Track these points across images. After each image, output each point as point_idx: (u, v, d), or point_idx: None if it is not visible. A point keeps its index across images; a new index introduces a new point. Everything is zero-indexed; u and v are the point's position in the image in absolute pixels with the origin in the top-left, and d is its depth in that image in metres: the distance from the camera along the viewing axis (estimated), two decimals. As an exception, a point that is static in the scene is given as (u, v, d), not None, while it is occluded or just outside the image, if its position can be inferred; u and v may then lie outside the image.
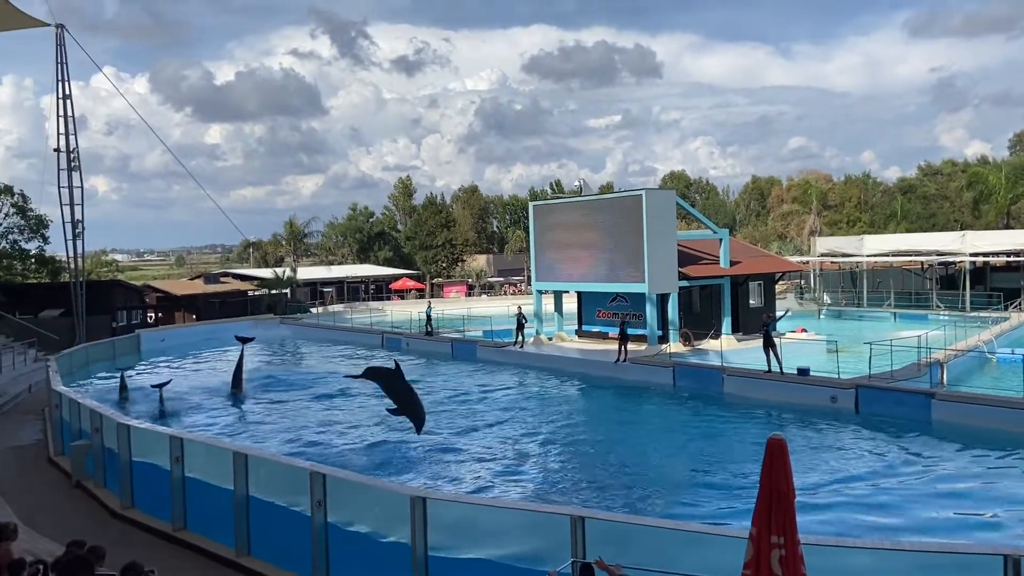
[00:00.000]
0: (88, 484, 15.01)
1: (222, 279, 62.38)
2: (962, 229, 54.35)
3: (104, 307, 45.52)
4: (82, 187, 42.20)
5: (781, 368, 23.42)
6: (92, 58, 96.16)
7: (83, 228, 42.45)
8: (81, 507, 14.07)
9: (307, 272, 67.03)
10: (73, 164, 41.70)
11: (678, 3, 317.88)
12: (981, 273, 45.59)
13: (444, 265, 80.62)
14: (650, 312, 30.65)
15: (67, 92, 41.60)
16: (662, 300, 30.92)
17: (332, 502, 9.53)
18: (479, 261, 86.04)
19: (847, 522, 12.98)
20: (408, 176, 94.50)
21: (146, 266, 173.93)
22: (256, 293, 58.75)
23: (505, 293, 69.07)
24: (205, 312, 52.73)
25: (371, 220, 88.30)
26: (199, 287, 58.03)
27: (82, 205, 42.07)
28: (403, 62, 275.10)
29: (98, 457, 14.86)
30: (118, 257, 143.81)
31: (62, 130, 41.47)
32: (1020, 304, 38.93)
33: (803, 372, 22.99)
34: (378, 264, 77.73)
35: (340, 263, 79.60)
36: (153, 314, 50.83)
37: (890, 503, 13.94)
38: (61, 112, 41.44)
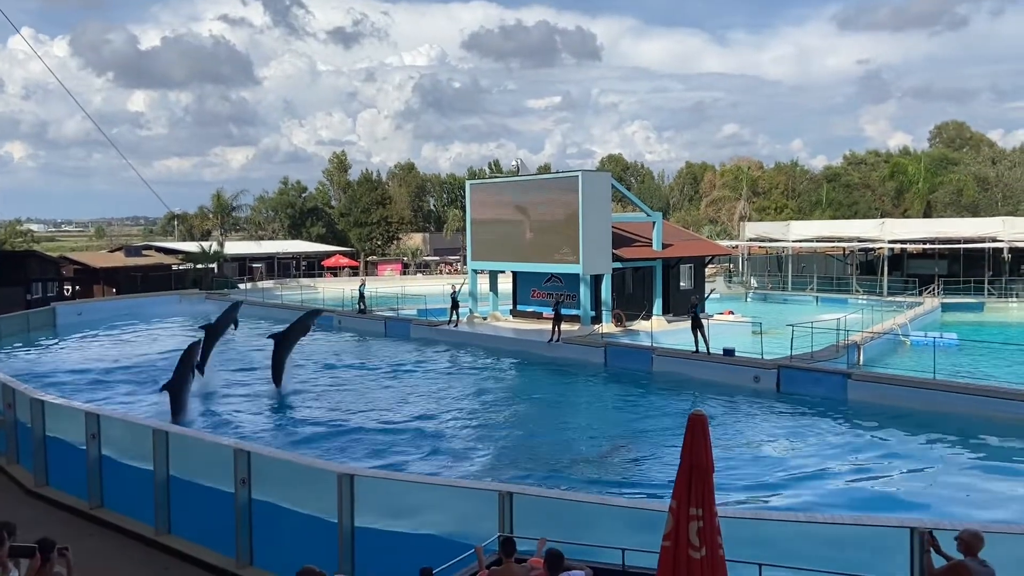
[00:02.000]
0: (0, 461, 14.41)
1: (144, 252, 60.31)
2: (882, 217, 56.54)
3: (18, 279, 43.47)
4: (-5, 152, 40.11)
5: (708, 348, 24.05)
6: (9, 18, 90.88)
7: (-4, 196, 40.38)
8: (-8, 485, 13.50)
9: (235, 247, 65.31)
10: (-16, 128, 39.56)
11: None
12: (899, 260, 47.57)
13: (379, 243, 79.66)
14: (584, 293, 30.97)
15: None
16: (596, 281, 31.27)
17: (257, 480, 9.37)
18: (415, 240, 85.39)
19: (764, 495, 13.45)
20: (343, 151, 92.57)
21: (64, 237, 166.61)
22: (181, 267, 57.04)
23: (440, 272, 68.80)
24: (126, 286, 50.97)
25: (304, 195, 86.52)
26: (120, 260, 56.00)
27: (-6, 171, 39.99)
28: (340, 33, 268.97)
29: (11, 433, 14.27)
30: (34, 227, 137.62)
31: (-28, 91, 39.26)
32: (934, 290, 40.79)
33: (728, 352, 23.62)
34: (310, 240, 76.32)
35: (271, 239, 77.87)
36: (70, 287, 48.87)
37: (806, 477, 14.50)
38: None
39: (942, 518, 11.30)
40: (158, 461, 10.39)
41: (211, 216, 75.99)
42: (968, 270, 43.54)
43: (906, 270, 46.35)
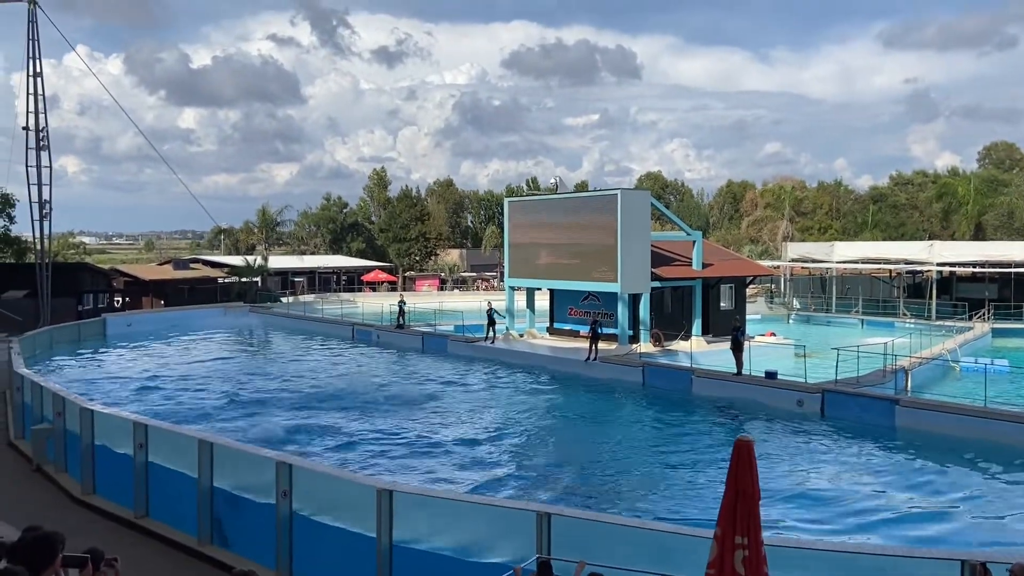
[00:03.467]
0: (48, 469, 14.75)
1: (192, 265, 61.54)
2: (930, 239, 55.31)
3: (70, 290, 44.72)
4: (51, 167, 41.42)
5: (739, 371, 23.77)
6: (65, 36, 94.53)
7: (51, 209, 41.66)
8: (41, 492, 13.81)
9: (278, 261, 66.37)
10: (42, 143, 40.88)
11: (658, 4, 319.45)
12: (947, 283, 46.44)
13: (417, 258, 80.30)
14: (621, 312, 30.79)
15: (38, 70, 40.78)
16: (634, 300, 31.08)
17: (298, 493, 9.45)
18: (452, 255, 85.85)
19: (810, 524, 13.16)
20: (383, 168, 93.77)
21: (114, 250, 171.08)
22: (226, 280, 58.06)
23: (477, 288, 68.99)
24: (174, 298, 52.03)
25: (345, 211, 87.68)
26: (168, 272, 57.22)
27: (50, 185, 41.29)
28: (384, 53, 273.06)
29: (59, 441, 14.60)
30: (86, 240, 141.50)
31: (31, 108, 40.64)
32: (984, 314, 39.72)
33: (771, 375, 23.25)
34: (351, 255, 77.19)
35: (312, 253, 78.94)
36: (120, 298, 50.04)
37: (853, 506, 14.15)
38: (31, 90, 40.63)
39: (994, 550, 10.94)
40: (202, 472, 10.54)
41: (256, 230, 77.41)
42: (1020, 295, 42.31)
43: (955, 294, 45.21)
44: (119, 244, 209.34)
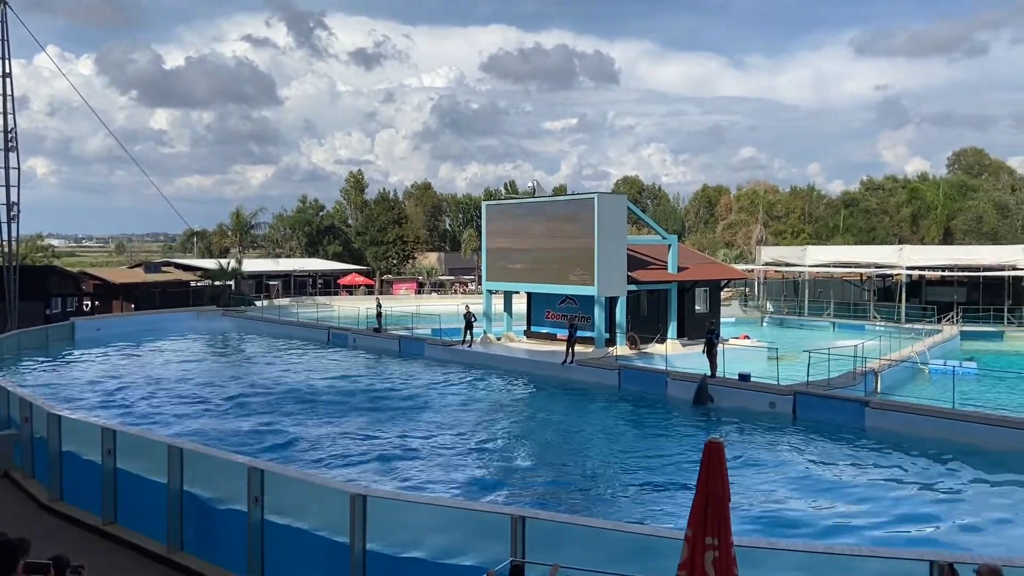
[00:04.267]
0: (16, 475, 14.47)
1: (163, 268, 60.87)
2: (900, 244, 56.16)
3: (38, 293, 43.99)
4: (19, 168, 40.69)
5: (713, 374, 23.96)
6: (34, 36, 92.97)
7: (19, 211, 40.91)
8: (7, 498, 13.55)
9: (253, 264, 65.83)
10: (11, 144, 40.19)
11: (636, 10, 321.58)
12: (917, 286, 47.16)
13: (394, 262, 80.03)
14: (598, 315, 30.90)
15: (7, 71, 40.11)
16: (610, 303, 31.20)
17: (270, 498, 9.35)
18: (430, 259, 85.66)
19: (781, 524, 13.27)
20: (360, 171, 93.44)
21: (84, 252, 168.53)
22: (199, 284, 57.47)
23: (455, 292, 68.90)
24: (145, 302, 51.39)
25: (321, 213, 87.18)
26: (139, 276, 56.54)
27: (18, 187, 40.55)
28: (362, 55, 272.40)
29: (26, 447, 14.34)
30: (55, 242, 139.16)
31: (0, 109, 39.96)
32: (953, 318, 40.37)
33: (744, 378, 23.45)
34: (327, 259, 76.75)
35: (288, 256, 78.39)
36: (89, 302, 49.33)
37: (823, 507, 14.31)
38: (0, 90, 39.93)
39: (962, 551, 11.11)
40: (172, 478, 10.40)
41: (230, 233, 76.69)
42: (988, 298, 43.07)
43: (924, 297, 45.93)
44: (89, 247, 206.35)
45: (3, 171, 40.03)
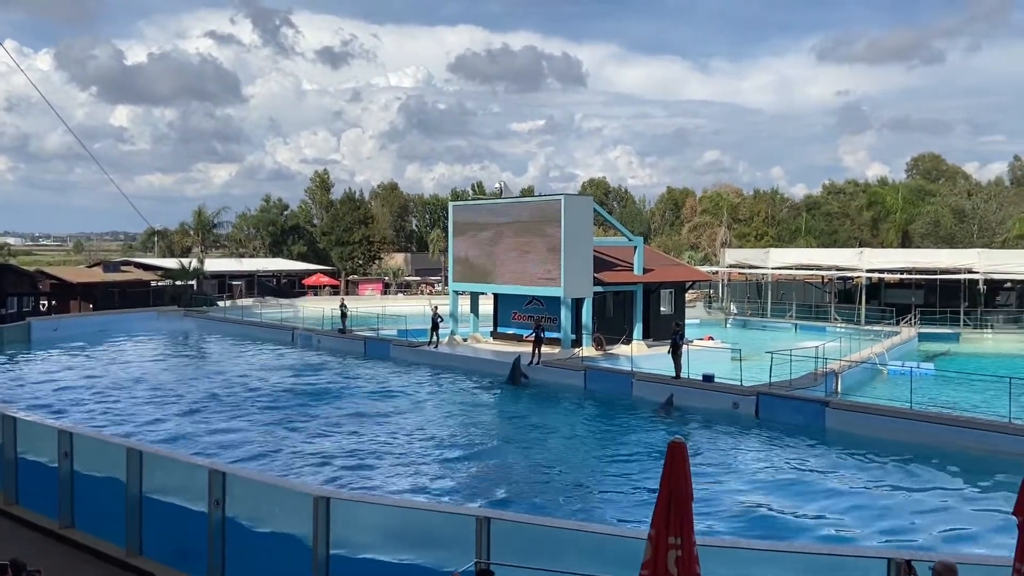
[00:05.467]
0: (-34, 480, 14.09)
1: (123, 268, 59.69)
2: (861, 246, 57.22)
3: (-7, 293, 42.92)
4: (-27, 164, 39.71)
5: (678, 374, 24.21)
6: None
7: (-28, 208, 39.94)
8: (-43, 504, 13.19)
9: (216, 264, 64.86)
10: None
11: (601, 13, 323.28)
12: (876, 289, 48.08)
13: (360, 262, 79.48)
14: (564, 316, 31.01)
15: (-41, 62, 39.10)
16: (577, 304, 31.33)
17: (231, 501, 9.23)
18: (397, 259, 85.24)
19: (742, 523, 13.44)
20: (326, 170, 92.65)
21: (41, 251, 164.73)
22: (160, 284, 56.50)
23: (422, 292, 68.65)
24: (103, 301, 50.38)
25: (286, 213, 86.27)
26: (98, 275, 55.37)
27: (-28, 183, 39.57)
28: (328, 53, 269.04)
29: (-21, 451, 13.96)
30: (11, 240, 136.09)
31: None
32: (911, 319, 41.24)
33: (708, 379, 23.70)
34: (291, 259, 75.96)
35: (252, 256, 77.41)
36: (46, 301, 48.21)
37: (783, 506, 14.52)
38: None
39: (918, 549, 11.35)
40: (131, 481, 10.21)
41: (192, 233, 75.46)
42: (944, 301, 44.07)
43: (884, 299, 46.83)
44: (46, 245, 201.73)
45: (-44, 167, 39.02)
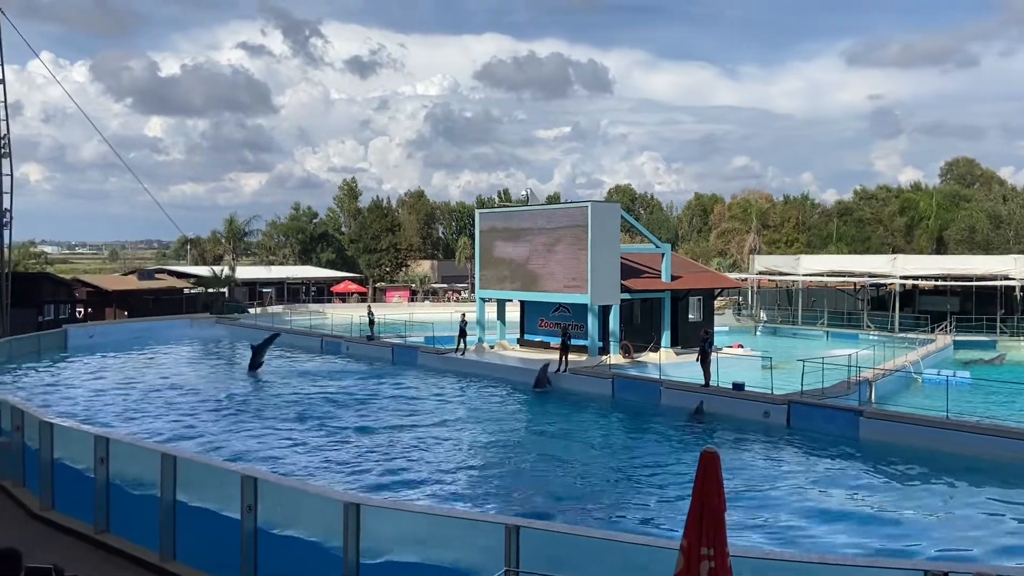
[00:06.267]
0: (6, 483, 14.36)
1: (157, 275, 60.63)
2: (894, 253, 56.37)
3: (30, 300, 43.80)
4: (12, 175, 40.62)
5: (707, 383, 23.98)
6: (28, 43, 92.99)
7: (11, 218, 40.80)
8: (-3, 508, 13.46)
9: (246, 271, 65.67)
10: (3, 151, 40.09)
11: (628, 20, 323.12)
12: (910, 296, 47.32)
13: (388, 269, 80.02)
14: (592, 323, 30.91)
15: (1, 77, 40.04)
16: (604, 312, 31.23)
17: (263, 507, 9.31)
18: (423, 267, 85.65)
19: (776, 534, 13.27)
20: (354, 178, 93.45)
21: (77, 259, 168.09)
22: (192, 291, 57.32)
23: (448, 300, 68.87)
24: (138, 309, 51.19)
25: (315, 221, 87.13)
26: (132, 283, 56.31)
27: (11, 193, 40.46)
28: (357, 63, 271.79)
29: (18, 456, 14.24)
30: (48, 249, 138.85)
31: (-7, 115, 39.87)
32: (946, 327, 40.52)
33: (738, 387, 23.46)
34: (320, 266, 76.66)
35: (281, 263, 78.28)
36: (82, 309, 49.12)
37: (817, 516, 14.30)
38: (-7, 97, 39.84)
39: (955, 561, 11.13)
40: (165, 486, 10.35)
41: (223, 241, 76.54)
42: (981, 308, 43.25)
43: (918, 306, 46.08)
44: (82, 254, 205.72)
45: (-4, 177, 39.91)
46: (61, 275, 59.37)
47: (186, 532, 10.33)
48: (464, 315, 34.47)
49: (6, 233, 40.87)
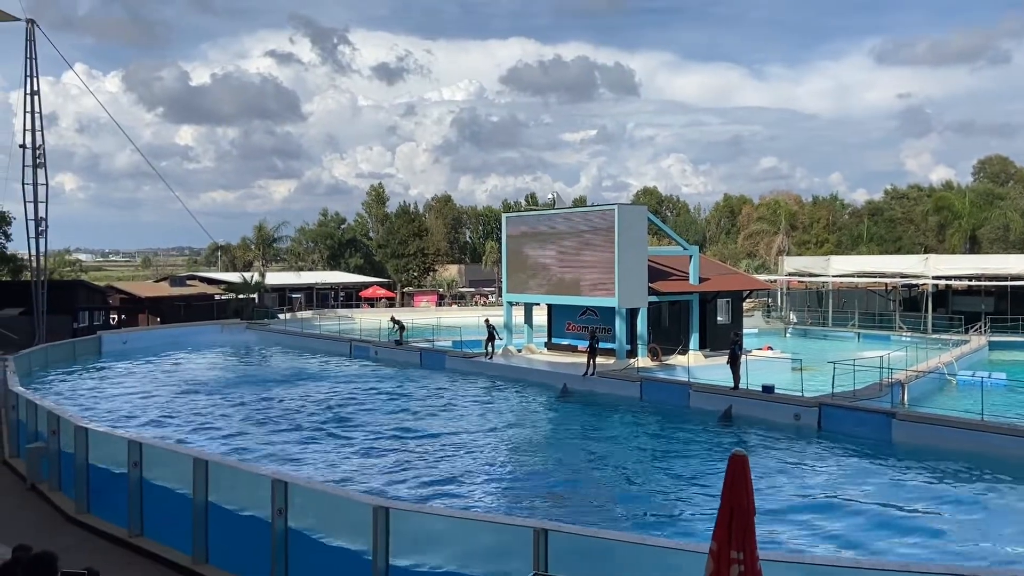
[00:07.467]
0: (43, 487, 14.65)
1: (188, 282, 61.58)
2: (926, 253, 55.45)
3: (66, 307, 44.65)
4: (47, 184, 41.46)
5: (736, 385, 23.76)
6: (62, 54, 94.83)
7: (47, 226, 41.63)
8: (34, 510, 13.72)
9: (276, 277, 66.36)
10: (39, 161, 40.93)
11: (653, 22, 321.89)
12: (943, 296, 46.50)
13: (415, 274, 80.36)
14: (619, 326, 30.79)
15: (35, 88, 40.93)
16: (631, 315, 31.09)
17: (293, 510, 9.39)
18: (451, 271, 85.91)
19: (806, 538, 13.11)
20: (381, 184, 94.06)
21: (111, 267, 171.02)
22: (223, 297, 58.03)
23: (476, 304, 69.00)
24: (170, 315, 51.97)
25: (343, 227, 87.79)
26: (165, 289, 57.25)
27: (46, 203, 41.31)
28: (384, 69, 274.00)
29: (54, 460, 14.51)
30: (82, 257, 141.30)
31: (29, 126, 40.74)
32: (980, 328, 39.76)
33: (768, 389, 23.22)
34: (348, 271, 77.22)
35: (310, 269, 78.98)
36: (116, 316, 49.97)
37: (848, 520, 14.10)
38: (28, 108, 40.72)
39: (992, 566, 10.91)
40: (197, 490, 10.48)
41: (253, 247, 77.40)
42: (1016, 308, 42.37)
43: (951, 307, 45.27)
44: (115, 261, 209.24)
45: (31, 187, 40.77)
46: (95, 282, 60.48)
47: (218, 535, 10.45)
48: (488, 320, 34.52)
49: (42, 242, 41.71)
